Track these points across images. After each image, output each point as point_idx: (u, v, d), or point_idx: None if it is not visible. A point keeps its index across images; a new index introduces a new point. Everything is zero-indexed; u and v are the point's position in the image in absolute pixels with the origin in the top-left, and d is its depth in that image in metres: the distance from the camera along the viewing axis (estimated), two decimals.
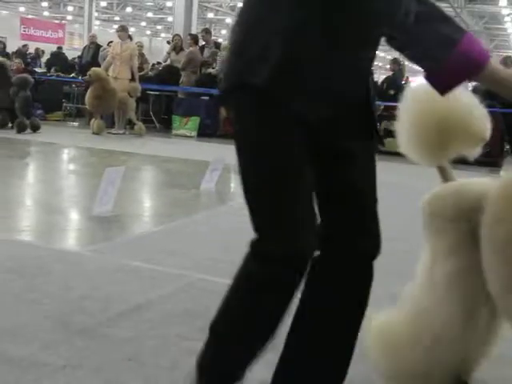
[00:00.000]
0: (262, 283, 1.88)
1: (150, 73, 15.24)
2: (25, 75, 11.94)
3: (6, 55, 16.75)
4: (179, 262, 4.18)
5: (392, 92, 12.35)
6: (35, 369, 2.58)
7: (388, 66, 16.22)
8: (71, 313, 3.19)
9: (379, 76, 31.44)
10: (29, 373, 2.55)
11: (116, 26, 16.27)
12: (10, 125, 11.77)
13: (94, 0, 31.44)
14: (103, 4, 35.96)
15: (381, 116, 11.32)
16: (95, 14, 32.94)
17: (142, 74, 13.71)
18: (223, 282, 2.80)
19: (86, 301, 3.37)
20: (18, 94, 11.33)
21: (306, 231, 1.86)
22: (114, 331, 3.00)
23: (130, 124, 12.76)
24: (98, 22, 37.12)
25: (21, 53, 18.51)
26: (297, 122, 1.85)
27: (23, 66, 15.02)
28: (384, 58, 45.38)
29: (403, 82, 13.27)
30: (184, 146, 11.55)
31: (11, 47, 20.68)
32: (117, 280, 3.76)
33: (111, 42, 14.60)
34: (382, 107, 12.00)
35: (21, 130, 11.34)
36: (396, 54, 29.93)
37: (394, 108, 11.99)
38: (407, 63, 13.70)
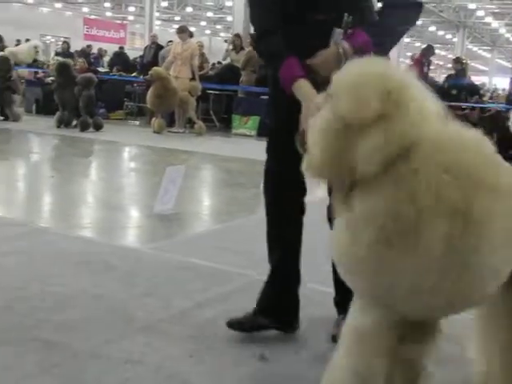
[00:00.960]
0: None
1: (210, 72, 15.35)
2: (89, 74, 12.17)
3: (70, 55, 17.10)
4: (239, 260, 4.20)
5: (454, 92, 12.14)
6: (98, 362, 2.64)
7: (450, 65, 15.95)
8: (134, 309, 3.25)
9: (440, 75, 30.98)
10: (91, 366, 2.61)
11: (176, 26, 16.43)
12: (73, 123, 12.02)
13: (155, 0, 31.85)
14: (164, 4, 36.35)
15: None
16: (156, 14, 33.31)
17: (202, 73, 13.82)
18: None
19: (148, 298, 3.42)
20: (82, 93, 11.55)
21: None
22: (176, 328, 3.04)
23: (190, 123, 12.88)
24: (158, 22, 37.45)
25: (84, 53, 18.87)
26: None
27: (86, 65, 15.33)
28: (445, 56, 44.75)
29: (466, 82, 12.97)
30: (244, 145, 11.59)
31: (75, 47, 21.11)
32: (177, 278, 3.80)
33: (171, 41, 14.76)
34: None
35: (84, 128, 11.57)
36: (458, 53, 29.32)
37: (457, 108, 11.81)
38: (470, 62, 13.46)
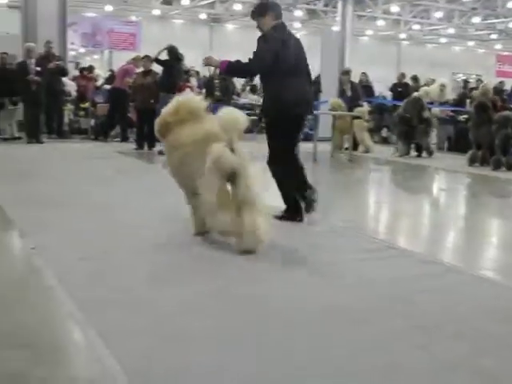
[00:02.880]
0: None
1: None
2: (507, 113, 11.81)
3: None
4: None
5: None
6: None
7: None
8: None
9: None
10: None
11: None
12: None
13: None
14: None
15: None
16: None
17: None
18: None
19: None
20: (499, 132, 11.30)
21: None
22: None
23: None
24: None
25: (497, 90, 18.54)
26: None
27: (500, 103, 14.99)
28: None
29: None
30: None
31: None
32: None
33: None
34: None
35: (496, 167, 11.30)
36: None
37: None
38: None
